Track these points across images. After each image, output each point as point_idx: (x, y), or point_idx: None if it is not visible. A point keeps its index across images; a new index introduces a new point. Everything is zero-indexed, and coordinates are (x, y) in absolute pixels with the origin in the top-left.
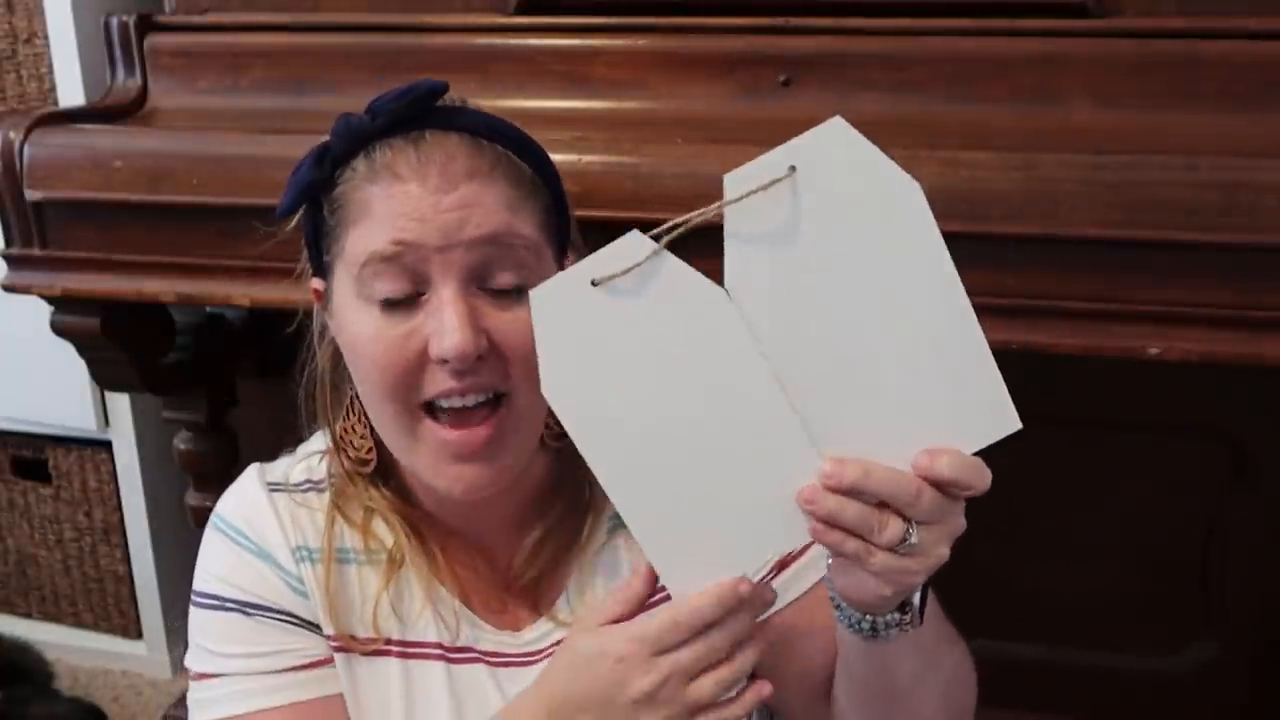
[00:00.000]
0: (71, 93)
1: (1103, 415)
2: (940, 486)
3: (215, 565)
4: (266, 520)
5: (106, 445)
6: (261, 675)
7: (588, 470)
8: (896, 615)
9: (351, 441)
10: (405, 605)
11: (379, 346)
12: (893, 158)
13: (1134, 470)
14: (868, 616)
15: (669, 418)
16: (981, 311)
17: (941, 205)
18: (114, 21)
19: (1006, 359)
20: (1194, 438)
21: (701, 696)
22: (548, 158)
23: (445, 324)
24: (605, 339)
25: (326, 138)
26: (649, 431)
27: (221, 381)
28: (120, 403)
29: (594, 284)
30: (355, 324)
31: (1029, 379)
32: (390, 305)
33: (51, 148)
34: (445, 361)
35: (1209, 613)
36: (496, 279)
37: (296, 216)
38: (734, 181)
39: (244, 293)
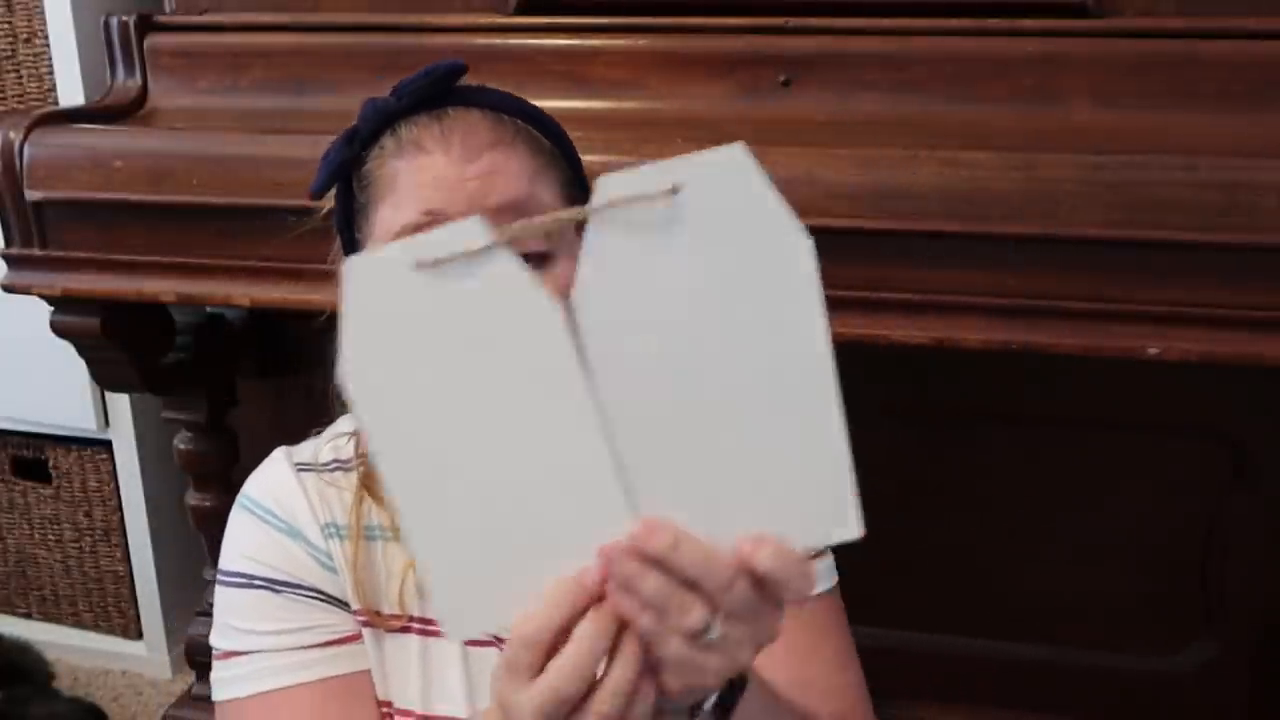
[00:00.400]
0: (71, 93)
1: (1103, 415)
2: (758, 580)
3: (243, 544)
4: (295, 498)
5: (106, 445)
6: (290, 651)
7: None
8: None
9: None
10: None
11: None
12: (791, 208)
13: (1134, 470)
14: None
15: (474, 438)
16: (981, 311)
17: (941, 205)
18: (114, 21)
19: (1006, 359)
20: (1194, 438)
21: None
22: (565, 133)
23: None
24: (418, 332)
25: (326, 136)
26: (451, 450)
27: (221, 381)
28: (120, 403)
29: (419, 266)
30: None
31: (1029, 379)
32: None
33: (51, 148)
34: None
35: (1209, 613)
36: (521, 247)
37: (316, 219)
38: (606, 185)
39: (244, 293)
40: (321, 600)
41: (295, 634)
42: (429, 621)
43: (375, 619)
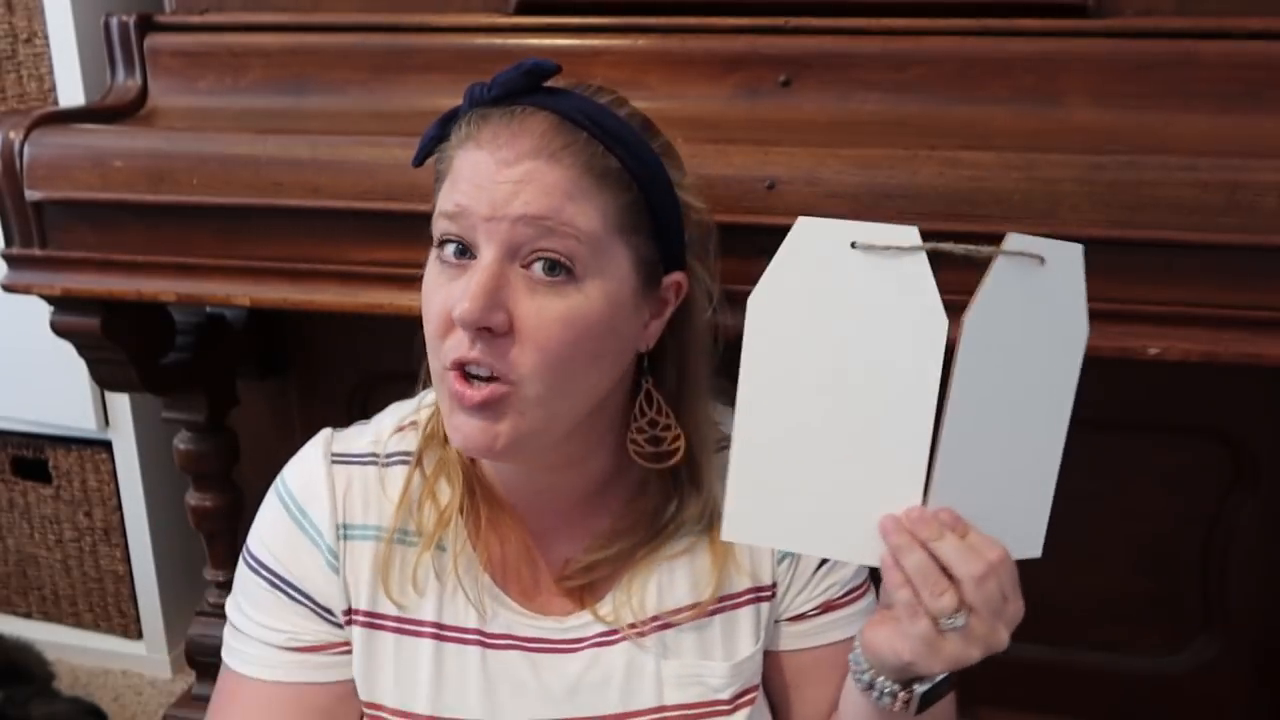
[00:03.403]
0: (71, 93)
1: (1103, 415)
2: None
3: (263, 527)
4: (320, 491)
5: (106, 445)
6: (264, 645)
7: (681, 492)
8: (896, 686)
9: None
10: (442, 564)
11: (430, 298)
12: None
13: (1134, 470)
14: (870, 669)
15: (827, 388)
16: None
17: (942, 205)
18: (114, 21)
19: None
20: (1194, 438)
21: None
22: (649, 154)
23: (467, 288)
24: (831, 291)
25: (326, 136)
26: (807, 388)
27: (221, 381)
28: (120, 403)
29: (854, 245)
30: (427, 273)
31: None
32: (447, 261)
33: (51, 148)
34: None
35: (1209, 613)
36: (535, 262)
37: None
38: (1013, 240)
39: (244, 293)
40: (306, 605)
41: (272, 631)
42: (445, 627)
43: (383, 620)
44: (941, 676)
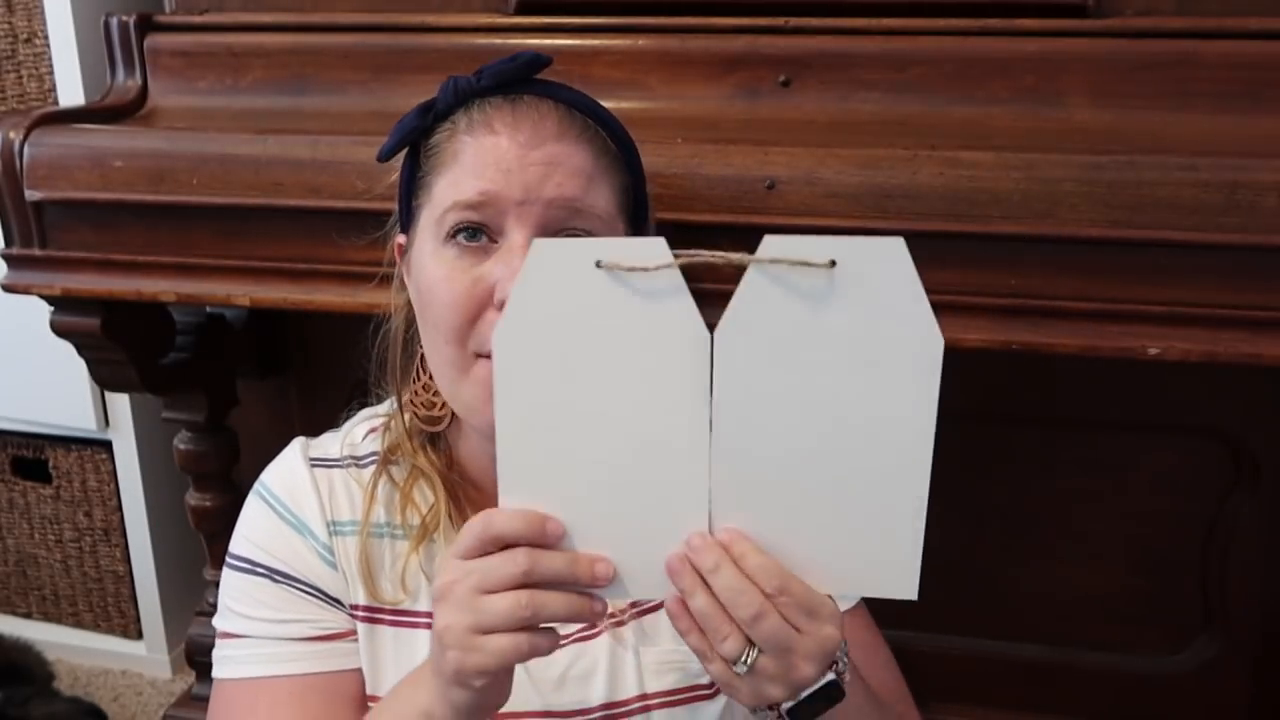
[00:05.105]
0: (71, 93)
1: (1103, 415)
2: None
3: (252, 530)
4: (306, 493)
5: (106, 445)
6: (280, 641)
7: None
8: (765, 712)
9: (422, 401)
10: (435, 567)
11: (449, 287)
12: (934, 304)
13: (1134, 470)
14: None
15: (590, 417)
16: (981, 311)
17: (941, 205)
18: (114, 21)
19: (1006, 359)
20: (1194, 438)
21: (490, 609)
22: (632, 142)
23: (512, 268)
24: (581, 317)
25: (326, 136)
26: (570, 423)
27: (221, 381)
28: (120, 403)
29: (598, 265)
30: (430, 266)
31: (1029, 379)
32: (464, 247)
33: (51, 148)
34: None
35: (1209, 613)
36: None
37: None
38: (772, 244)
39: (244, 293)
40: (315, 596)
41: (287, 624)
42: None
43: (378, 614)
44: (805, 695)
